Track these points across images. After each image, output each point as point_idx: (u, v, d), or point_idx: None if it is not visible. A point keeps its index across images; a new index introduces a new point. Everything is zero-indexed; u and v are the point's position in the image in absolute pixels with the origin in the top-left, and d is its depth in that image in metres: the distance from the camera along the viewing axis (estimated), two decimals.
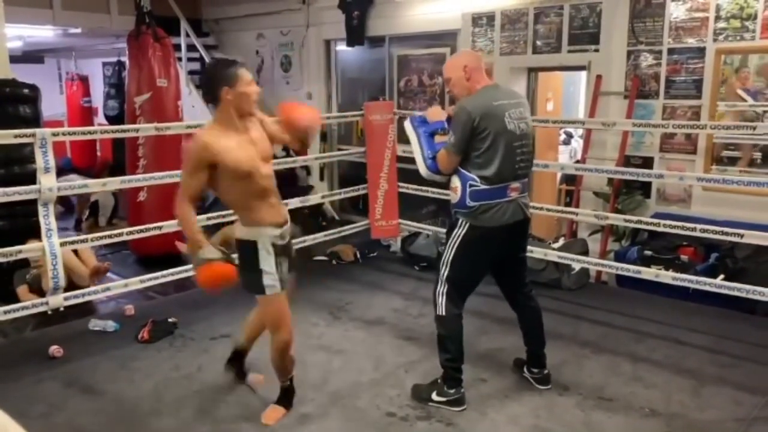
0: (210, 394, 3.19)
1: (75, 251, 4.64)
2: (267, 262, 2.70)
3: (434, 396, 3.10)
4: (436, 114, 3.19)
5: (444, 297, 3.04)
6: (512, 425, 2.92)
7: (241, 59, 3.24)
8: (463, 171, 2.96)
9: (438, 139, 3.09)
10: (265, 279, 2.71)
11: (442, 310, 3.05)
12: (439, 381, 3.12)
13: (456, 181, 3.00)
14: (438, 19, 6.31)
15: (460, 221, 3.01)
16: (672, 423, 2.92)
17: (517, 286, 3.25)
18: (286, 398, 3.02)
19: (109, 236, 4.24)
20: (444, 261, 3.06)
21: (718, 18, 4.56)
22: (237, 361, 3.28)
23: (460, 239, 3.00)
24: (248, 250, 2.72)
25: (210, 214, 4.82)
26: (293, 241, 2.97)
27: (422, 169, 3.12)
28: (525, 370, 3.35)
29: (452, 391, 3.07)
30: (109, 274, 5.10)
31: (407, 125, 3.25)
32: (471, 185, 2.93)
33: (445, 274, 3.04)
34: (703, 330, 3.91)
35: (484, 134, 2.88)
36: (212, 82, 2.66)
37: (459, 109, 2.95)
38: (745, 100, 4.52)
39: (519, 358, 3.42)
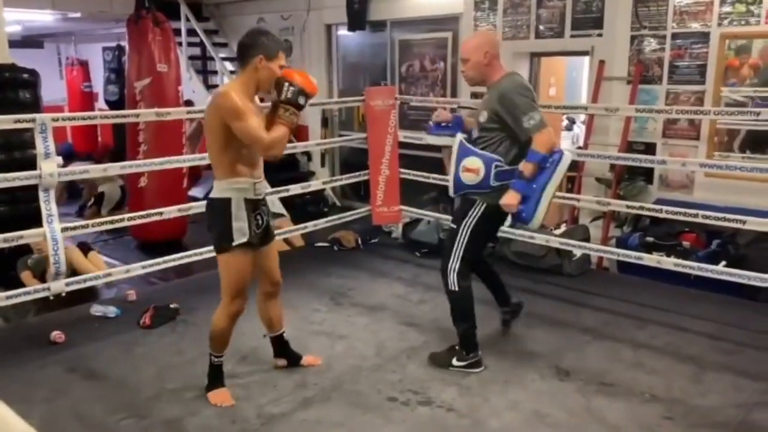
0: None
1: (85, 253, 4.65)
2: (239, 216, 2.74)
3: (455, 361, 3.25)
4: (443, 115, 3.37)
5: (455, 273, 3.17)
6: (513, 410, 2.92)
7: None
8: (486, 153, 3.06)
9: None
10: (234, 233, 2.74)
11: (454, 286, 3.19)
12: (457, 348, 3.28)
13: (476, 163, 3.05)
14: (440, 3, 6.26)
15: (477, 202, 3.12)
16: (673, 408, 2.92)
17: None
18: (210, 375, 2.99)
19: (111, 222, 4.24)
20: (459, 240, 3.16)
21: (723, 2, 4.51)
22: (283, 349, 3.27)
23: (477, 218, 3.13)
24: (222, 207, 2.75)
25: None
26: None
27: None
28: (503, 314, 3.65)
29: (472, 354, 3.25)
30: (110, 260, 5.11)
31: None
32: (497, 166, 3.04)
33: (461, 252, 3.15)
34: (705, 316, 3.91)
35: None
36: (252, 47, 2.70)
37: (518, 87, 2.99)
38: None
39: (504, 319, 3.69)
